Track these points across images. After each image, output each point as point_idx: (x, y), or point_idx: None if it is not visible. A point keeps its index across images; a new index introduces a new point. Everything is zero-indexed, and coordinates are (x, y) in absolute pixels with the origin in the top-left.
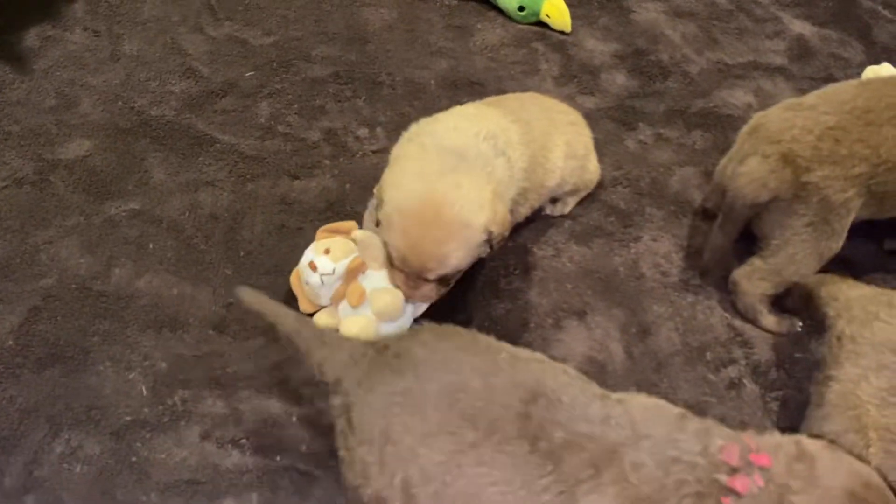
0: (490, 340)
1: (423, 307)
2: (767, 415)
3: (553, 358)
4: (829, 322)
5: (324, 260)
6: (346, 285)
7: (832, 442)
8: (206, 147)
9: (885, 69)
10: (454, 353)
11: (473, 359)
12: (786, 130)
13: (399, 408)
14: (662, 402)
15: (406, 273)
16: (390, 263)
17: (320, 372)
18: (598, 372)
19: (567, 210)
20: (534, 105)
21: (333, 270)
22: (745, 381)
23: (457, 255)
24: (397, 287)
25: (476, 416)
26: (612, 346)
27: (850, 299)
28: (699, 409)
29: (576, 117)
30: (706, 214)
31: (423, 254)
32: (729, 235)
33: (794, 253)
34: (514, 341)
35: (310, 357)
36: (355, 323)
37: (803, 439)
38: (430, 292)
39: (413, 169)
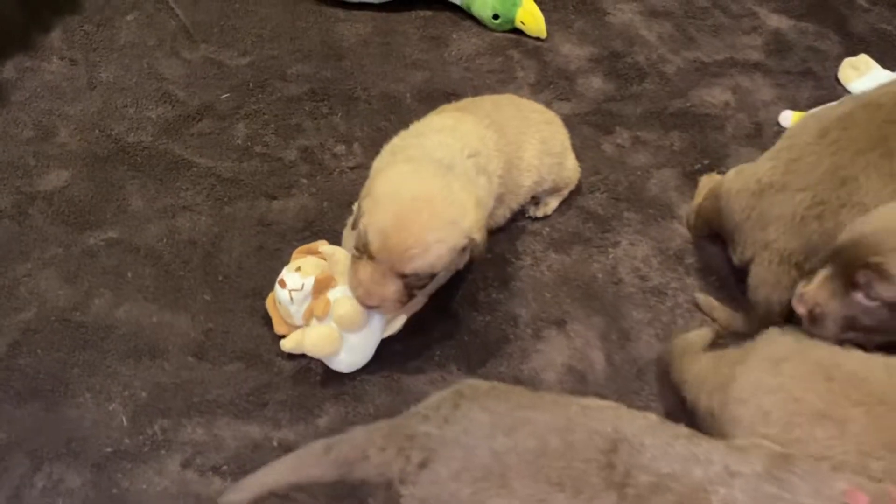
0: (556, 396)
1: (398, 324)
2: None
3: (534, 369)
4: (690, 402)
5: (293, 276)
6: (315, 300)
7: None
8: (184, 171)
9: (861, 61)
10: (521, 414)
11: (544, 416)
12: (770, 225)
13: (484, 491)
14: (759, 442)
15: (375, 267)
16: (358, 257)
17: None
18: (578, 381)
19: (550, 210)
20: (508, 106)
21: (302, 286)
22: None
23: (438, 250)
24: (358, 287)
25: (562, 477)
26: (592, 354)
27: (702, 372)
28: (682, 417)
29: (551, 116)
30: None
31: (409, 237)
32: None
33: None
34: (495, 354)
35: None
36: (317, 332)
37: None
38: (393, 294)
39: (407, 169)
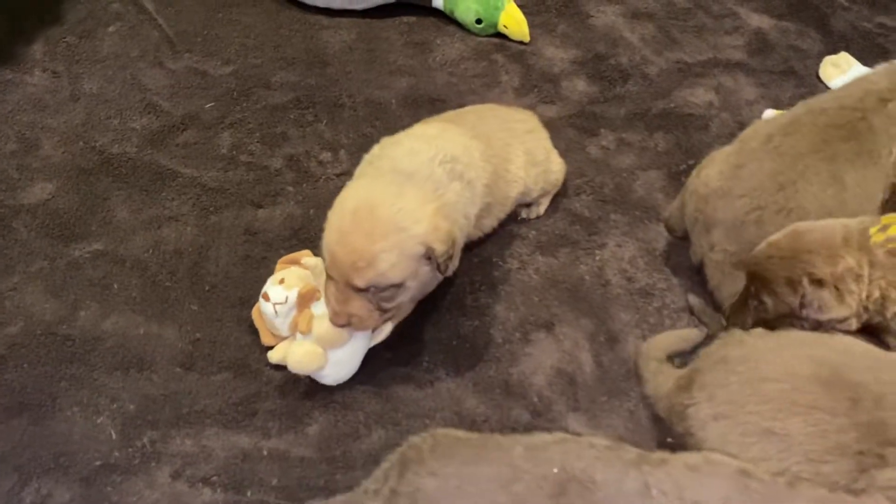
0: (500, 439)
1: (385, 331)
2: None
3: (523, 373)
4: (667, 422)
5: (276, 289)
6: (299, 313)
7: None
8: (169, 182)
9: (842, 59)
10: (467, 471)
11: (489, 470)
12: (714, 229)
13: None
14: (713, 456)
15: (336, 284)
16: (328, 277)
17: None
18: (568, 384)
19: (541, 211)
20: (492, 117)
21: (286, 299)
22: None
23: (387, 260)
24: (328, 307)
25: None
26: (581, 356)
27: (667, 398)
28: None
29: (533, 123)
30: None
31: (352, 250)
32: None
33: None
34: (483, 358)
35: None
36: (300, 350)
37: None
38: (361, 311)
39: (362, 183)
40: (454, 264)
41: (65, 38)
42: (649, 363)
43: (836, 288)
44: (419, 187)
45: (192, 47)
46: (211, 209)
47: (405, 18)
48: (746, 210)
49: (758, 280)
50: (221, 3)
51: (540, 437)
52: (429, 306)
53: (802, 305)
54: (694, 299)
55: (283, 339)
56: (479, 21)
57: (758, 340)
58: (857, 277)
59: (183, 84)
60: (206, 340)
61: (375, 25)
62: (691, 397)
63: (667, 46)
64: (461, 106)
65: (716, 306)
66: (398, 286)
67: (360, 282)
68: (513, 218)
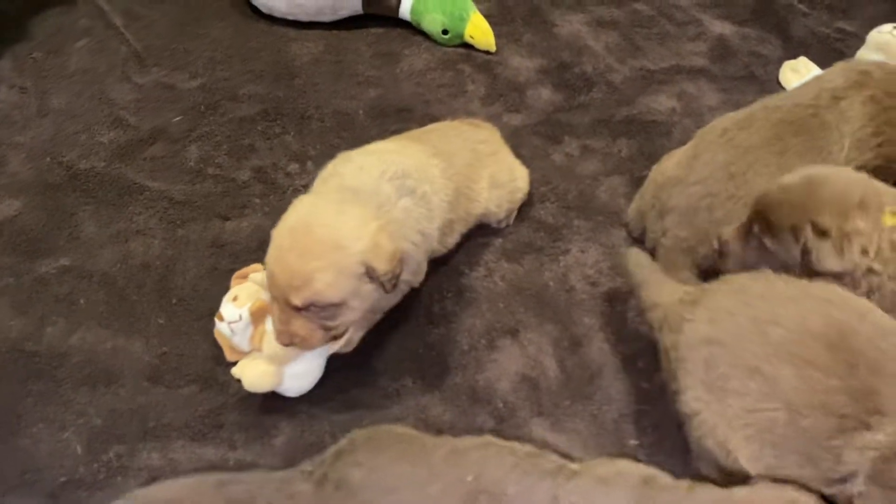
0: (427, 439)
1: (350, 345)
2: None
3: (488, 379)
4: (656, 330)
5: (229, 308)
6: (255, 329)
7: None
8: (136, 196)
9: (801, 63)
10: (392, 467)
11: (409, 469)
12: (668, 214)
13: None
14: (625, 466)
15: (278, 304)
16: (271, 296)
17: None
18: (532, 389)
19: (511, 220)
20: (455, 137)
21: (240, 317)
22: None
23: (323, 279)
24: (273, 327)
25: None
26: (545, 361)
27: (666, 307)
28: (634, 418)
29: (496, 143)
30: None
31: (288, 268)
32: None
33: None
34: (449, 366)
35: None
36: (253, 371)
37: None
38: (303, 330)
39: (304, 201)
40: (417, 278)
41: (32, 53)
42: (644, 269)
43: (840, 243)
44: (363, 204)
45: (160, 61)
46: (178, 222)
47: (373, 30)
48: (699, 197)
49: (762, 221)
50: (190, 18)
51: (465, 441)
52: (396, 314)
53: (804, 252)
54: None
55: (246, 353)
56: (445, 32)
57: (785, 285)
58: (862, 247)
59: (151, 98)
60: (173, 354)
61: (343, 37)
62: (692, 314)
63: (631, 54)
64: (428, 115)
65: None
66: (338, 305)
67: (297, 301)
68: (479, 227)
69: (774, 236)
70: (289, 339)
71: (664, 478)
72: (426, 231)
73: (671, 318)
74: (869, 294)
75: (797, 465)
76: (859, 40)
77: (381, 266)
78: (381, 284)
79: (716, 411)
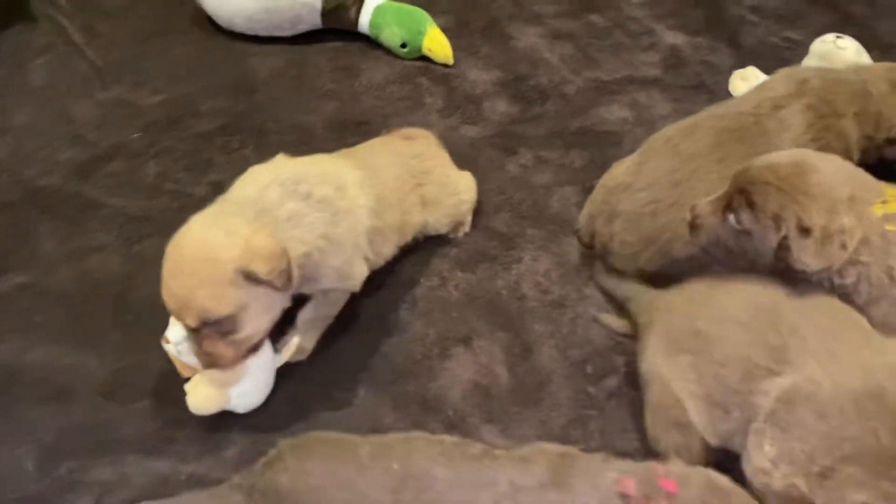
0: (354, 438)
1: (302, 355)
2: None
3: (440, 387)
4: (641, 314)
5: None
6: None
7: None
8: (94, 213)
9: (750, 72)
10: (319, 468)
11: (337, 467)
12: (616, 219)
13: None
14: (546, 445)
15: (185, 330)
16: None
17: None
18: (483, 397)
19: (467, 229)
20: (385, 152)
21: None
22: (624, 389)
23: (202, 295)
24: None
25: None
26: (496, 368)
27: (649, 301)
28: (581, 423)
29: (432, 160)
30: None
31: (171, 293)
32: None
33: None
34: (402, 375)
35: None
36: (198, 395)
37: (711, 472)
38: (212, 349)
39: (189, 222)
40: (349, 284)
41: None
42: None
43: (821, 242)
44: (241, 213)
45: (120, 78)
46: (135, 238)
47: (332, 44)
48: (644, 203)
49: (745, 197)
50: (151, 34)
51: (391, 437)
52: (349, 325)
53: (780, 247)
54: (607, 318)
55: (199, 371)
56: (403, 45)
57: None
58: (842, 243)
59: (111, 115)
60: (127, 369)
61: (303, 51)
62: (670, 293)
63: (585, 65)
64: (386, 128)
65: (619, 309)
66: (233, 317)
67: (190, 322)
68: (435, 237)
69: (754, 217)
70: (206, 361)
71: (583, 453)
72: (332, 235)
73: (649, 303)
74: (857, 284)
75: (720, 419)
76: (806, 49)
77: (260, 267)
78: (273, 284)
79: (668, 370)
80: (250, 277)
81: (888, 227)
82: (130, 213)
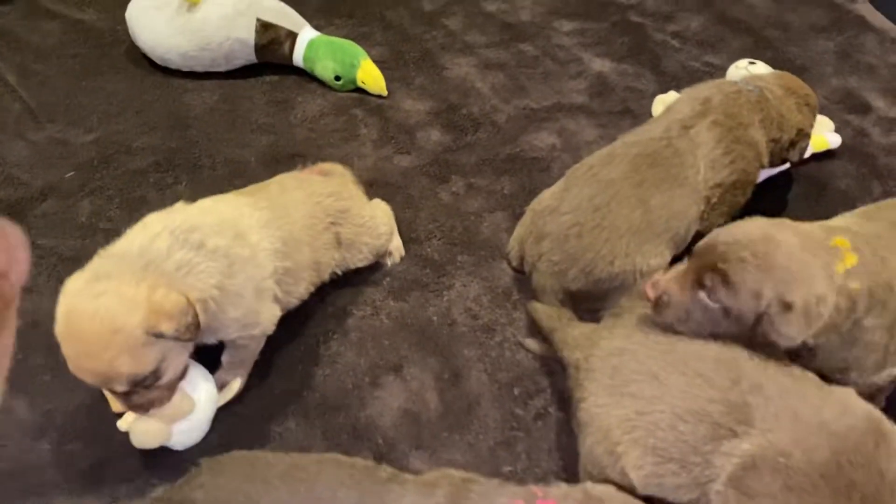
0: (271, 457)
1: (235, 388)
2: (572, 440)
3: (370, 416)
4: (566, 360)
5: None
6: None
7: (619, 487)
8: None
9: (670, 96)
10: (230, 485)
11: (247, 487)
12: (543, 240)
13: None
14: (452, 472)
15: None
16: None
17: None
18: (412, 423)
19: (398, 258)
20: (296, 189)
21: None
22: (550, 409)
23: (124, 362)
24: None
25: None
26: (427, 395)
27: (575, 337)
28: (508, 445)
29: (347, 198)
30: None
31: (90, 372)
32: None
33: None
34: (332, 406)
35: None
36: (142, 427)
37: (589, 485)
38: (145, 399)
39: (65, 292)
40: (255, 331)
41: None
42: (553, 318)
43: (803, 314)
44: (126, 268)
45: (54, 117)
46: (67, 278)
47: (268, 77)
48: (569, 225)
49: (719, 275)
50: (85, 72)
51: (306, 457)
52: (281, 359)
53: (758, 321)
54: (531, 343)
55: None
56: (338, 78)
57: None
58: (820, 312)
59: (44, 155)
60: (57, 411)
61: (239, 86)
62: (610, 332)
63: (515, 94)
64: (320, 159)
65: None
66: (157, 369)
67: (121, 389)
68: (369, 266)
69: (731, 294)
70: (145, 410)
71: (484, 479)
72: (228, 286)
73: (584, 341)
74: (827, 341)
75: (672, 473)
76: (724, 72)
77: (166, 325)
78: (180, 338)
79: (612, 414)
80: (158, 334)
81: (853, 286)
82: (63, 253)
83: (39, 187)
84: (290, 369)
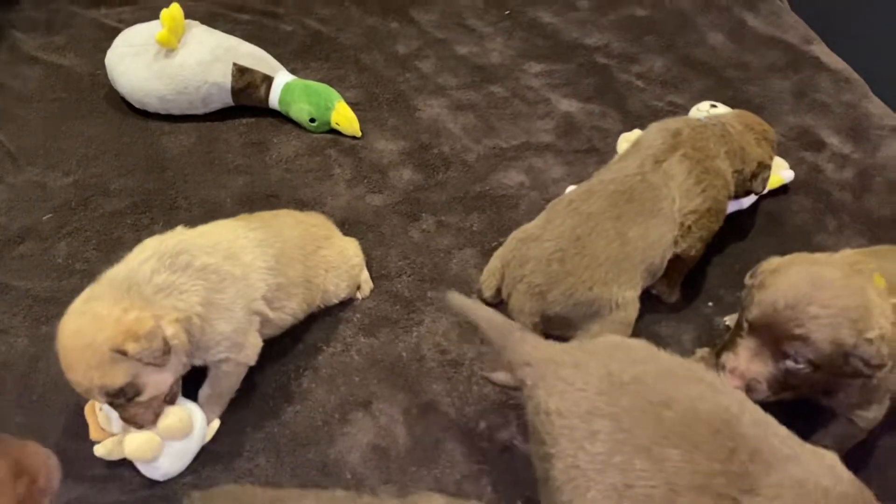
0: (258, 492)
1: (213, 429)
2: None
3: (339, 452)
4: (528, 390)
5: None
6: None
7: None
8: (1, 296)
9: (634, 135)
10: None
11: None
12: (526, 264)
13: None
14: (437, 497)
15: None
16: None
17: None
18: (381, 458)
19: (367, 292)
20: (286, 216)
21: None
22: (516, 442)
23: (96, 375)
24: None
25: None
26: (396, 430)
27: (542, 366)
28: (474, 478)
29: (328, 229)
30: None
31: (71, 381)
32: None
33: None
34: (302, 442)
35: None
36: (139, 438)
37: None
38: (132, 413)
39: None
40: (242, 355)
41: None
42: (497, 327)
43: (881, 337)
44: (111, 291)
45: (33, 161)
46: (42, 319)
47: (244, 119)
48: (552, 251)
49: (799, 340)
50: (64, 116)
51: (290, 492)
52: (252, 396)
53: (846, 359)
54: (498, 376)
55: (112, 435)
56: (312, 120)
57: (670, 359)
58: (884, 336)
59: (22, 198)
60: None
61: (215, 128)
62: (582, 381)
63: (485, 134)
64: (294, 199)
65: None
66: (132, 384)
67: (99, 399)
68: (338, 303)
69: (816, 353)
70: (132, 424)
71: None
72: (216, 300)
73: (551, 381)
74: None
75: None
76: (687, 112)
77: (133, 346)
78: (152, 361)
79: (593, 480)
80: (125, 353)
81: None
82: (39, 294)
83: (17, 230)
84: (260, 405)
